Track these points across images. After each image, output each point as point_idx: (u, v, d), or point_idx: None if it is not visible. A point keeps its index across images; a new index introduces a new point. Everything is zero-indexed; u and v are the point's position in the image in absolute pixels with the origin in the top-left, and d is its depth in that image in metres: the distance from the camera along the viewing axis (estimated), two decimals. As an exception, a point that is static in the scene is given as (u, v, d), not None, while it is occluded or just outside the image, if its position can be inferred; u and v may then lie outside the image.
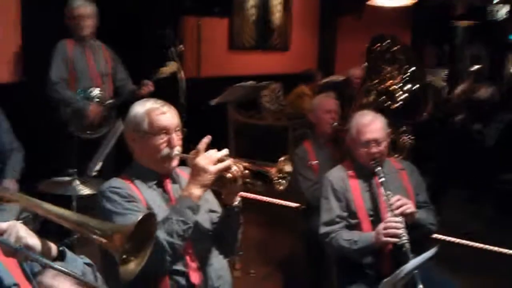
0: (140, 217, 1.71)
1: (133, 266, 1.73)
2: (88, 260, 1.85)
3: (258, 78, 6.34)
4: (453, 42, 10.65)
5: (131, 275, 1.74)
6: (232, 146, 6.29)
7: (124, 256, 1.70)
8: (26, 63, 4.68)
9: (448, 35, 10.36)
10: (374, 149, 2.93)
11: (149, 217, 1.78)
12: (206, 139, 2.26)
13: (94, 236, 1.70)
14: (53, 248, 1.70)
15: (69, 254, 1.75)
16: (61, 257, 1.71)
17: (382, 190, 2.84)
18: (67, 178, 3.31)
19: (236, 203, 2.34)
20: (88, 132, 4.31)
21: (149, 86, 4.34)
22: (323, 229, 2.95)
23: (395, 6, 7.09)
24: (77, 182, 3.29)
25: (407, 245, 2.65)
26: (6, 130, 3.69)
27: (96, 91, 4.35)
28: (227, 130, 6.32)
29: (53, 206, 1.77)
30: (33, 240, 1.61)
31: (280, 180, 2.22)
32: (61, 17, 4.33)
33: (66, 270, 1.55)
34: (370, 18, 8.35)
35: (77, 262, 1.78)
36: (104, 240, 1.69)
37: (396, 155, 3.78)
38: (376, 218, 2.89)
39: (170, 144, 2.30)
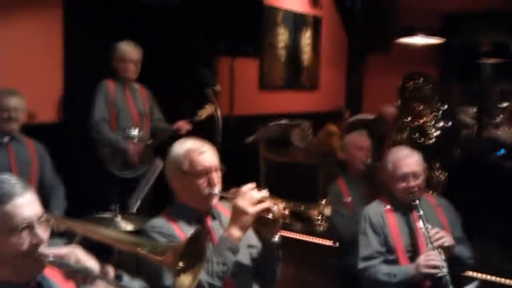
0: (189, 235, 1.80)
1: (187, 282, 1.82)
2: (144, 284, 1.92)
3: (288, 116, 6.46)
4: (481, 79, 10.64)
5: None
6: (263, 184, 6.37)
7: (178, 270, 1.80)
8: (67, 103, 4.81)
9: (475, 72, 10.36)
10: (412, 183, 2.96)
11: (199, 234, 1.87)
12: (250, 185, 2.30)
13: (149, 255, 1.79)
14: (110, 272, 1.76)
15: (125, 278, 1.82)
16: (118, 280, 1.78)
17: (420, 224, 2.87)
18: (109, 215, 3.40)
19: (275, 239, 2.36)
20: (127, 171, 4.44)
21: (184, 126, 4.44)
22: (362, 264, 2.96)
23: (423, 44, 7.15)
24: (119, 218, 3.37)
25: (447, 277, 2.66)
26: (50, 167, 3.83)
27: (135, 131, 4.49)
28: (259, 167, 6.41)
29: (108, 230, 1.86)
30: (92, 263, 1.69)
31: (320, 222, 2.26)
32: (101, 58, 4.49)
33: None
34: (397, 55, 8.43)
35: (134, 286, 1.85)
36: (159, 258, 1.79)
37: (430, 191, 3.80)
38: (414, 254, 2.90)
39: (210, 184, 2.34)
